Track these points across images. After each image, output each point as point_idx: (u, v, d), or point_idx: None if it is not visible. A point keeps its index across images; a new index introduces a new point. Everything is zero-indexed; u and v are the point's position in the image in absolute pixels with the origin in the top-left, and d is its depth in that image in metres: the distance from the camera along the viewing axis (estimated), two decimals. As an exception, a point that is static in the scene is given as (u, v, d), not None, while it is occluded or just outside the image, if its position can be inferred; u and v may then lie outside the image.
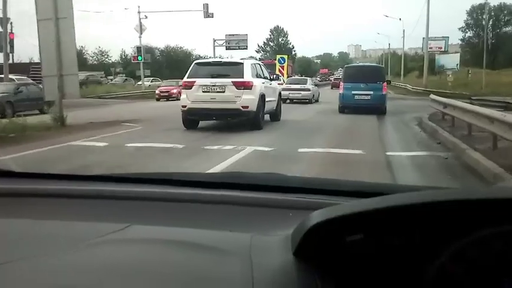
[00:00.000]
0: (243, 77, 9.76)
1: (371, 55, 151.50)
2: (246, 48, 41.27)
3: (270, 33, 78.54)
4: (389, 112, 14.79)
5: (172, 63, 56.74)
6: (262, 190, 1.00)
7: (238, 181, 1.05)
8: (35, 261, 0.67)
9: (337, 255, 0.65)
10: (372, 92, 14.60)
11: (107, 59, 59.00)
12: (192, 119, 10.08)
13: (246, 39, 40.23)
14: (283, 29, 79.08)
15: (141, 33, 34.11)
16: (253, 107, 9.71)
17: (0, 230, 0.81)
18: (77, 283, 0.56)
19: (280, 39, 78.14)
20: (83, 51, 56.31)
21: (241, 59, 11.53)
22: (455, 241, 0.61)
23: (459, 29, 58.72)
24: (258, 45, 76.23)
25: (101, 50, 58.97)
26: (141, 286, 0.60)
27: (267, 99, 10.53)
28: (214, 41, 39.75)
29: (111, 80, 42.90)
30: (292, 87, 21.42)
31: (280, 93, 12.70)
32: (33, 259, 0.68)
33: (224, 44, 40.32)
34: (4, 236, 0.79)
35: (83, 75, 37.42)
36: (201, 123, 10.43)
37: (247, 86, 9.70)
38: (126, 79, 39.45)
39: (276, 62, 31.07)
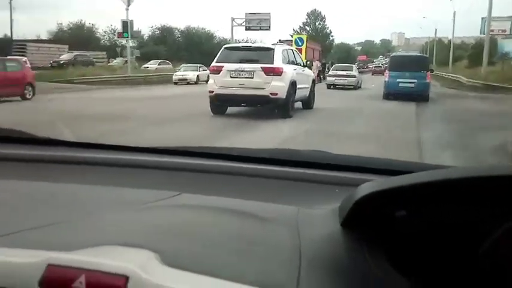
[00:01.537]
0: (272, 63, 9.84)
1: (415, 43, 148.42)
2: (269, 29, 36.60)
3: (307, 17, 77.77)
4: (446, 131, 8.82)
5: (192, 46, 54.23)
6: (308, 167, 1.07)
7: (285, 157, 1.12)
8: (92, 220, 0.76)
9: (386, 229, 0.67)
10: (416, 80, 15.97)
11: (119, 39, 57.19)
12: (219, 104, 10.31)
13: (269, 19, 36.15)
14: (320, 12, 77.97)
15: (128, 4, 28.57)
16: (282, 94, 9.78)
17: (59, 193, 0.93)
18: (132, 241, 0.62)
19: (317, 24, 77.28)
20: (93, 29, 53.34)
21: (273, 44, 11.64)
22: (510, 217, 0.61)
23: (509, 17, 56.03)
24: (294, 30, 75.69)
25: (113, 29, 53.23)
26: (194, 247, 0.65)
27: (298, 86, 10.59)
28: (233, 20, 36.43)
29: (113, 61, 39.47)
30: (338, 73, 23.90)
31: (314, 81, 12.75)
32: (91, 219, 0.77)
33: (244, 24, 36.77)
34: (63, 198, 0.90)
35: (70, 54, 34.55)
36: (229, 109, 10.66)
37: (276, 73, 9.78)
38: (126, 61, 36.26)
39: (293, 43, 25.76)
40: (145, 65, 36.61)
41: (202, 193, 0.93)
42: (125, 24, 29.28)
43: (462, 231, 0.66)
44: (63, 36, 49.28)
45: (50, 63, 31.78)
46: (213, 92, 10.11)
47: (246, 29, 37.50)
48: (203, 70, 27.49)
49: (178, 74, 27.73)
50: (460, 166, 0.67)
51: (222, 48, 10.89)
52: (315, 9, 78.50)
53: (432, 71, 18.57)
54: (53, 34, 51.32)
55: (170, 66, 37.14)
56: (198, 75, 27.36)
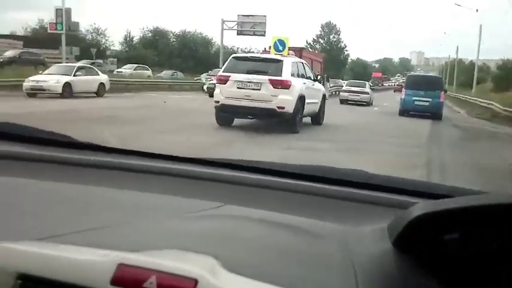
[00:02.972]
0: (281, 76, 10.07)
1: (434, 63, 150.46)
2: (264, 35, 32.00)
3: (321, 29, 78.78)
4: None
5: (186, 51, 52.71)
6: (347, 185, 1.11)
7: (325, 174, 1.17)
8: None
9: (436, 251, 0.71)
10: (430, 99, 17.84)
11: (104, 39, 52.11)
12: (225, 115, 10.54)
13: (265, 23, 31.87)
14: (335, 25, 79.10)
15: None
16: (289, 108, 9.98)
17: (106, 198, 1.01)
18: (193, 246, 0.68)
19: (331, 37, 78.16)
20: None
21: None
22: None
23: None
24: (307, 42, 76.51)
25: (96, 28, 51.38)
26: (252, 256, 0.70)
27: (307, 101, 10.81)
28: (223, 22, 32.77)
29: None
30: (351, 89, 26.56)
31: (324, 96, 12.97)
32: (136, 224, 0.84)
33: (235, 28, 32.98)
34: (112, 202, 0.98)
35: (15, 51, 29.74)
36: (236, 121, 10.89)
37: (284, 86, 9.99)
38: (93, 62, 32.80)
39: (271, 47, 19.44)
40: (119, 69, 34.04)
41: (245, 205, 0.98)
42: (58, 13, 23.69)
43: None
44: (44, 33, 44.65)
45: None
46: (218, 102, 10.35)
47: (238, 34, 33.46)
48: (86, 75, 19.19)
49: (32, 79, 17.71)
50: None
51: (230, 57, 11.20)
52: (330, 22, 79.53)
53: (446, 91, 20.24)
54: (33, 31, 47.36)
55: (148, 72, 34.31)
56: (68, 83, 17.66)
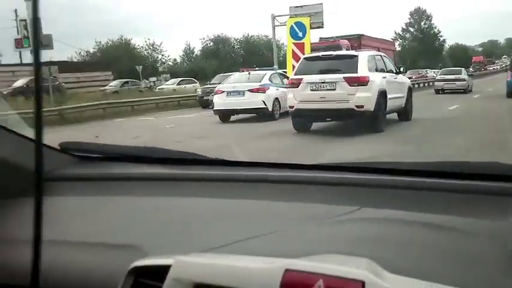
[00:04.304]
0: (356, 72, 9.67)
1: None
2: (322, 26, 25.57)
3: (410, 17, 75.63)
4: None
5: (252, 58, 49.31)
6: (482, 179, 1.08)
7: (456, 170, 1.15)
8: (290, 233, 0.89)
9: None
10: None
11: (159, 54, 51.68)
12: (301, 120, 10.35)
13: (321, 12, 25.34)
14: (425, 10, 75.44)
15: None
16: (369, 106, 9.53)
17: (250, 210, 1.08)
18: (347, 250, 0.73)
19: (422, 24, 74.68)
20: (130, 45, 48.35)
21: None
22: None
23: None
24: (395, 32, 73.92)
25: (151, 43, 51.08)
26: (405, 256, 0.73)
27: (390, 96, 10.26)
28: (274, 18, 26.54)
29: (108, 84, 30.60)
30: (446, 77, 25.68)
31: (410, 88, 12.27)
32: (288, 231, 0.90)
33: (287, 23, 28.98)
34: (254, 213, 1.06)
35: (25, 79, 23.26)
36: (315, 125, 10.62)
37: (361, 82, 9.57)
38: (127, 81, 30.92)
39: (287, 34, 18.05)
40: (161, 86, 30.90)
41: (381, 207, 1.00)
42: (22, 25, 18.76)
43: None
44: (102, 57, 44.95)
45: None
46: (293, 107, 10.19)
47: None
48: None
49: None
50: None
51: (301, 59, 10.99)
52: (419, 8, 76.11)
53: None
54: (88, 54, 47.43)
55: (196, 84, 29.49)
56: None
